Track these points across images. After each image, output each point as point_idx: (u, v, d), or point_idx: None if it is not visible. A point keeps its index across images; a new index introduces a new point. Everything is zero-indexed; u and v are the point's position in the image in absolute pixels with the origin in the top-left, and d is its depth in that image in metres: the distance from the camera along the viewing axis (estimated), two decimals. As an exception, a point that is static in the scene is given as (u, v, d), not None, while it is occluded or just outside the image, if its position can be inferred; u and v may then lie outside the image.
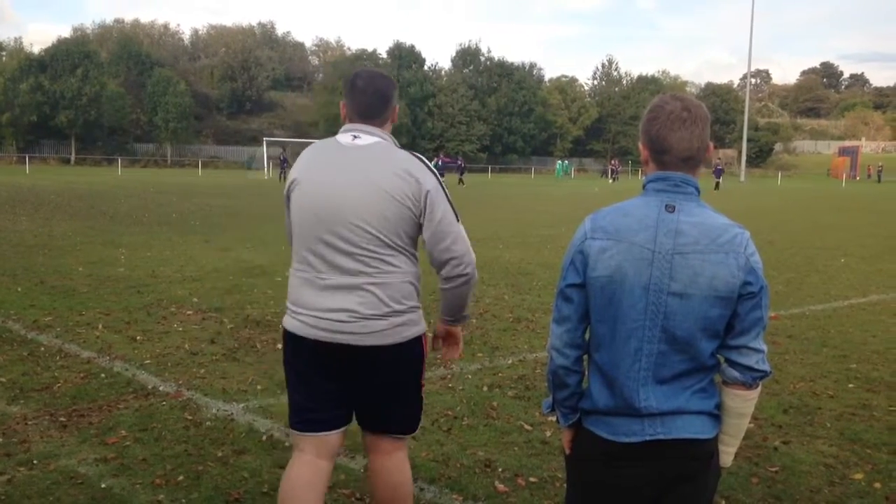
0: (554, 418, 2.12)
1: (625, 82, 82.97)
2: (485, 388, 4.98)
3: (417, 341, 2.61)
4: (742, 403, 1.94)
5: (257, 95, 73.80)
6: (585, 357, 2.02)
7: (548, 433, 4.20)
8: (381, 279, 2.49)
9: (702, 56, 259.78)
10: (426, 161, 2.57)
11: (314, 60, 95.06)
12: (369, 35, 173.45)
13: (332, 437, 2.66)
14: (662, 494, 1.93)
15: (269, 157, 49.86)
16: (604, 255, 1.88)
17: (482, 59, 74.97)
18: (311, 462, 2.64)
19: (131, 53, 68.04)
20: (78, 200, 21.48)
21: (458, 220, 2.55)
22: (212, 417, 4.35)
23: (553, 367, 2.02)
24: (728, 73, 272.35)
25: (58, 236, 12.65)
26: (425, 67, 72.54)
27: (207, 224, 15.58)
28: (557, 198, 30.46)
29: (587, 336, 2.00)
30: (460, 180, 42.42)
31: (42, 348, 5.66)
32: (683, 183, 1.90)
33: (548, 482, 3.60)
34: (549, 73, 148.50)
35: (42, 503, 3.28)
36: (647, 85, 78.64)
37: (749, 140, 71.07)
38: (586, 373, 2.03)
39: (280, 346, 5.78)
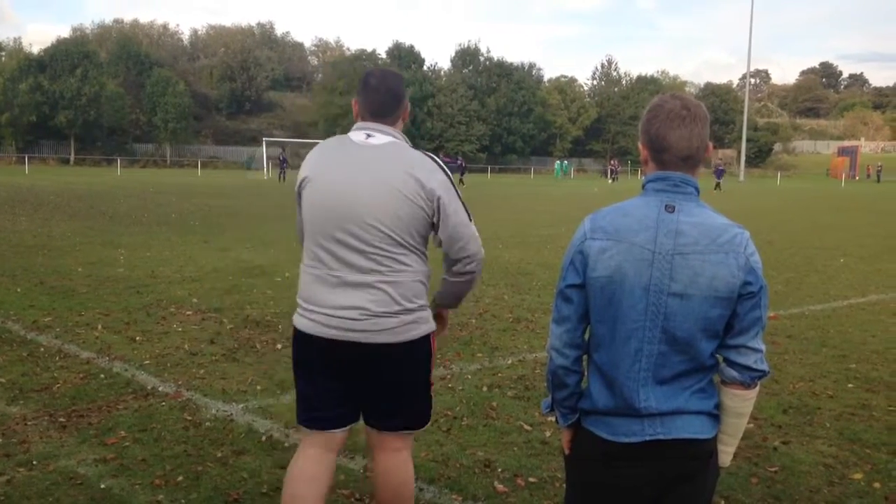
0: (553, 418, 2.12)
1: (624, 82, 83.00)
2: (484, 389, 4.98)
3: (426, 339, 2.63)
4: (741, 403, 1.94)
5: (256, 96, 73.81)
6: (585, 357, 2.02)
7: (547, 433, 4.20)
8: (392, 277, 2.51)
9: (701, 56, 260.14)
10: (439, 161, 2.60)
11: (313, 60, 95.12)
12: (369, 35, 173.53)
13: (339, 433, 2.70)
14: (662, 494, 1.93)
15: (268, 158, 49.84)
16: (604, 256, 1.88)
17: (481, 59, 75.01)
18: (316, 456, 2.67)
19: (130, 54, 68.03)
20: (77, 201, 21.48)
21: (470, 220, 2.60)
22: (211, 418, 4.34)
23: (552, 367, 2.02)
24: (727, 73, 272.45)
25: (57, 237, 12.65)
26: (424, 67, 72.59)
27: (207, 224, 15.57)
28: (557, 198, 30.47)
29: (587, 336, 2.00)
30: (460, 180, 42.47)
31: (41, 349, 5.66)
32: (683, 183, 1.90)
33: (547, 482, 3.60)
34: (549, 73, 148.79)
35: (41, 504, 3.28)
36: (647, 85, 78.67)
37: (748, 140, 71.09)
38: (585, 373, 2.04)
39: (280, 346, 5.80)
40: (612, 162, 62.79)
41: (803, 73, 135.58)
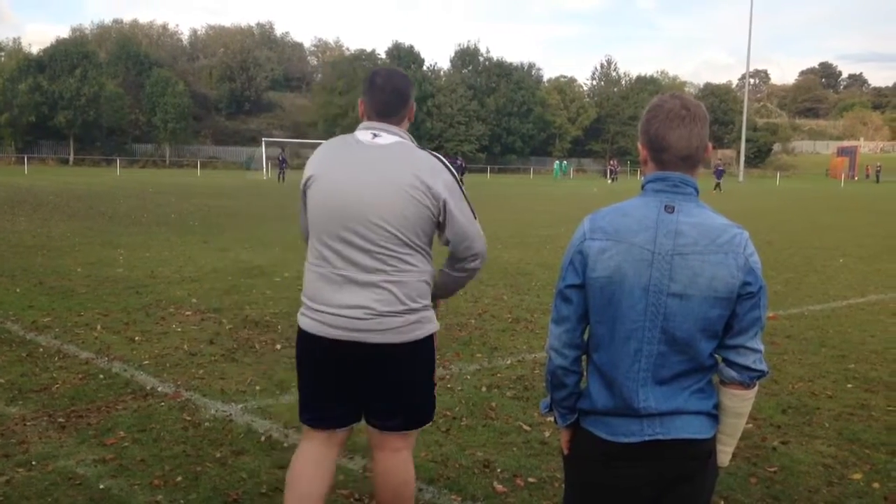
0: (552, 419, 2.12)
1: (623, 82, 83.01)
2: (483, 389, 4.98)
3: (430, 339, 2.65)
4: (740, 403, 1.94)
5: (256, 96, 73.81)
6: (584, 357, 2.02)
7: (546, 433, 4.20)
8: (398, 277, 2.52)
9: (700, 56, 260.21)
10: (445, 161, 2.61)
11: (313, 61, 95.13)
12: (368, 35, 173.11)
13: (341, 432, 2.73)
14: (661, 494, 1.93)
15: (267, 158, 49.85)
16: (603, 256, 1.88)
17: (481, 59, 75.00)
18: (317, 454, 2.71)
19: (130, 54, 68.01)
20: (76, 201, 21.47)
21: (475, 218, 2.64)
22: (210, 418, 4.34)
23: (552, 367, 2.02)
24: (726, 73, 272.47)
25: (56, 237, 12.64)
26: (424, 68, 72.53)
27: (206, 224, 15.57)
28: (556, 198, 30.48)
29: (586, 336, 2.00)
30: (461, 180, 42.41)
31: (41, 349, 5.66)
32: (682, 183, 1.90)
33: (546, 482, 3.60)
34: (548, 73, 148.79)
35: (40, 504, 3.28)
36: (646, 85, 78.69)
37: (747, 140, 71.10)
38: (585, 373, 2.04)
39: (279, 346, 5.80)
40: (611, 162, 62.81)
41: (802, 73, 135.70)
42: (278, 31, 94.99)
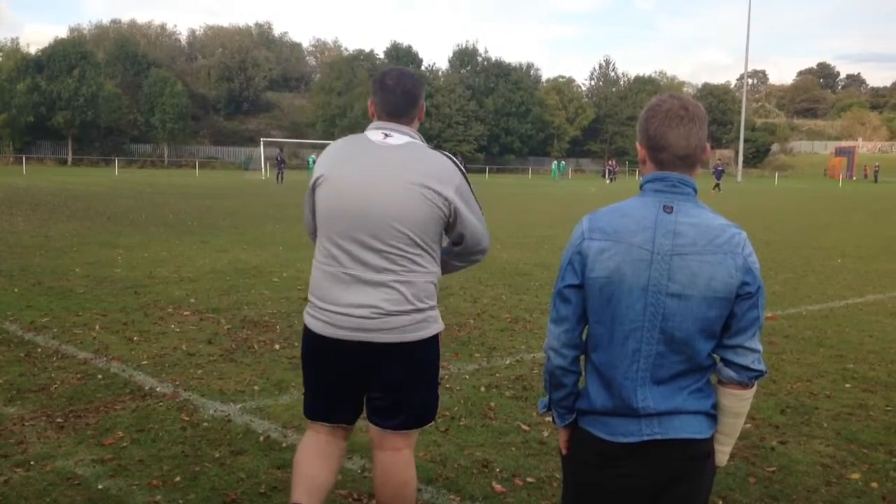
0: (550, 418, 2.12)
1: (622, 83, 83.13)
2: (482, 389, 4.98)
3: (435, 339, 2.66)
4: (738, 403, 1.94)
5: (254, 96, 73.81)
6: (583, 357, 2.02)
7: (545, 433, 4.20)
8: (407, 277, 2.54)
9: (699, 57, 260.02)
10: (456, 161, 2.63)
11: (311, 61, 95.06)
12: (366, 35, 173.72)
13: (345, 427, 2.77)
14: (659, 494, 1.93)
15: (266, 158, 49.85)
16: (602, 256, 1.89)
17: (479, 59, 75.04)
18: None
19: (128, 54, 68.01)
20: (75, 201, 21.45)
21: (482, 215, 2.70)
22: (209, 418, 4.34)
23: (550, 367, 2.02)
24: (725, 73, 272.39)
25: (55, 237, 12.63)
26: (422, 68, 72.56)
27: (204, 225, 15.56)
28: (555, 198, 30.49)
29: (585, 336, 2.00)
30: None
31: (39, 349, 5.65)
32: (681, 183, 1.90)
33: (545, 482, 3.60)
34: (547, 73, 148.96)
35: (39, 504, 3.27)
36: (645, 85, 78.80)
37: (746, 140, 71.18)
38: (583, 373, 2.04)
39: (277, 346, 5.80)
40: (609, 162, 62.86)
41: (801, 73, 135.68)
42: (276, 32, 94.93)
